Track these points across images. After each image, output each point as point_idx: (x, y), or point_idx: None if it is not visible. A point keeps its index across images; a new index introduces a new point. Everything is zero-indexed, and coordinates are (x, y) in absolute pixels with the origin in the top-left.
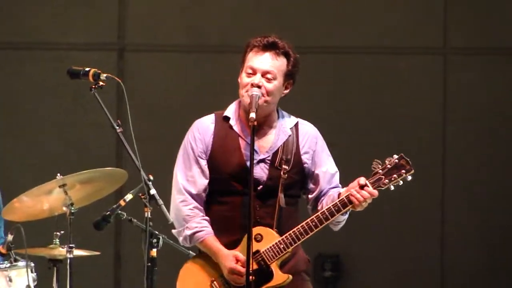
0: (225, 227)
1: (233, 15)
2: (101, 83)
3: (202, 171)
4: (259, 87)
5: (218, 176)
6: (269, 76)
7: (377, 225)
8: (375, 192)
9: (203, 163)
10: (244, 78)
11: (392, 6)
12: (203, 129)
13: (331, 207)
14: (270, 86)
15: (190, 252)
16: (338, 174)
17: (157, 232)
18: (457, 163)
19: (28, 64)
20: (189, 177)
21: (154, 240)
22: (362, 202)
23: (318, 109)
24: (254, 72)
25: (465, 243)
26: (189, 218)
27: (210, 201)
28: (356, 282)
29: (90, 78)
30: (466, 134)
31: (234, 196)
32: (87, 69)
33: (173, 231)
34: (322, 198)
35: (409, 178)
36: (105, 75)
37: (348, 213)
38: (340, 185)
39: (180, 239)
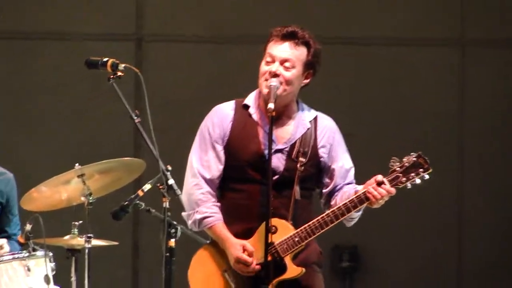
0: (239, 215)
1: (251, 5)
2: (119, 73)
3: (218, 157)
4: (276, 75)
5: (235, 163)
6: (287, 64)
7: (395, 216)
8: (393, 190)
9: (219, 148)
10: (263, 67)
11: None
12: (222, 115)
13: (348, 203)
14: (288, 74)
15: (208, 242)
16: (353, 170)
17: (175, 222)
18: (475, 156)
19: (45, 54)
20: (204, 162)
21: (173, 230)
22: (379, 199)
23: (337, 100)
24: (272, 60)
25: (482, 236)
26: (200, 202)
27: (225, 188)
28: (374, 273)
29: (108, 68)
30: (484, 127)
31: (250, 184)
32: (105, 59)
33: (183, 214)
34: (336, 194)
35: (427, 177)
36: (123, 65)
37: (362, 210)
38: (354, 181)
39: (189, 222)
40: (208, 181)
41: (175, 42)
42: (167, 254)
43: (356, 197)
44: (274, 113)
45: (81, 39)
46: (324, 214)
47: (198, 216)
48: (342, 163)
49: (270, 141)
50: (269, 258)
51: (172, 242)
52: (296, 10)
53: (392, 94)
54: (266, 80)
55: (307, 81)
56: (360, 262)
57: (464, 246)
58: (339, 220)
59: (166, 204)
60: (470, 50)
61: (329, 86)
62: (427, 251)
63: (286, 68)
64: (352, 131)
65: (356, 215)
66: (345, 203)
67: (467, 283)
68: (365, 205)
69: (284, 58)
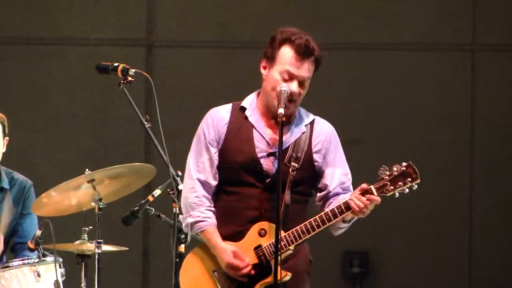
0: (231, 217)
1: (263, 10)
2: (129, 78)
3: (212, 159)
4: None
5: (228, 166)
6: (305, 84)
7: (406, 222)
8: (378, 198)
9: (213, 151)
10: (278, 81)
11: (421, 2)
12: (217, 118)
13: (335, 208)
14: (304, 92)
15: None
16: (349, 176)
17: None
18: (485, 160)
19: (57, 59)
20: (199, 163)
21: (182, 236)
22: (362, 208)
23: (346, 105)
24: (290, 78)
25: (493, 241)
26: (194, 206)
27: (219, 190)
28: (384, 278)
29: (119, 74)
30: (494, 131)
31: (243, 187)
32: (115, 64)
33: (180, 217)
34: (331, 200)
35: (415, 187)
36: (133, 70)
37: (351, 221)
38: (351, 188)
39: (183, 225)
40: (204, 184)
41: (185, 48)
42: (177, 259)
43: (337, 207)
44: (284, 118)
45: (92, 44)
46: (311, 219)
47: (190, 220)
48: (337, 168)
49: (280, 145)
50: (256, 261)
51: (182, 248)
52: (308, 15)
53: (402, 99)
54: (274, 90)
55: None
56: (371, 268)
57: (474, 252)
58: (326, 226)
59: (176, 209)
60: (481, 55)
61: (338, 91)
62: (437, 257)
63: (303, 87)
64: (361, 135)
65: (343, 225)
66: (332, 209)
67: None
68: (348, 215)
69: (305, 78)
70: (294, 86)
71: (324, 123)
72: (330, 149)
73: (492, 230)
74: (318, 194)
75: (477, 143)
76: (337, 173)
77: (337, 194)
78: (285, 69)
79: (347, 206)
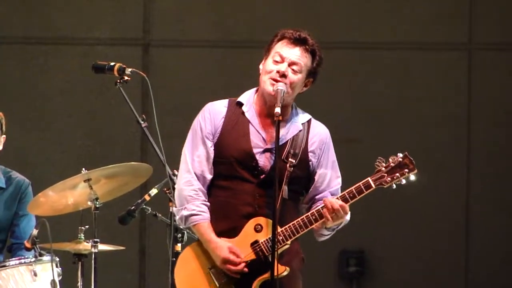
0: (225, 213)
1: (260, 10)
2: (126, 77)
3: (208, 153)
4: (284, 75)
5: (223, 160)
6: (295, 68)
7: (402, 222)
8: (344, 206)
9: (209, 144)
10: (270, 65)
11: (417, 1)
12: (214, 111)
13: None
14: (294, 77)
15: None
16: (339, 180)
17: (181, 227)
18: (482, 160)
19: (53, 58)
20: (195, 157)
21: (179, 235)
22: (331, 212)
23: (343, 105)
24: (282, 60)
25: (490, 241)
26: (190, 199)
27: (213, 185)
28: (380, 278)
29: (115, 73)
30: (491, 131)
31: (237, 182)
32: (112, 63)
33: (173, 209)
34: (318, 204)
35: (412, 178)
36: (130, 69)
37: (334, 229)
38: (339, 192)
39: (177, 218)
40: (200, 177)
41: (182, 47)
42: (174, 258)
43: (316, 210)
44: (280, 117)
45: (89, 44)
46: (309, 213)
47: (185, 213)
48: (328, 171)
49: (277, 142)
50: (254, 257)
51: (178, 247)
52: (305, 14)
53: (399, 98)
54: (272, 79)
55: (306, 88)
56: (367, 267)
57: (471, 253)
58: (323, 220)
59: (172, 208)
60: (477, 54)
61: (335, 90)
62: (433, 257)
63: (294, 72)
64: (357, 136)
65: (326, 232)
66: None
67: None
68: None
69: (293, 61)
70: (283, 66)
71: (320, 125)
72: (324, 151)
73: (489, 229)
74: (307, 196)
75: (474, 144)
76: (328, 176)
77: (325, 197)
78: (277, 51)
79: (345, 199)
